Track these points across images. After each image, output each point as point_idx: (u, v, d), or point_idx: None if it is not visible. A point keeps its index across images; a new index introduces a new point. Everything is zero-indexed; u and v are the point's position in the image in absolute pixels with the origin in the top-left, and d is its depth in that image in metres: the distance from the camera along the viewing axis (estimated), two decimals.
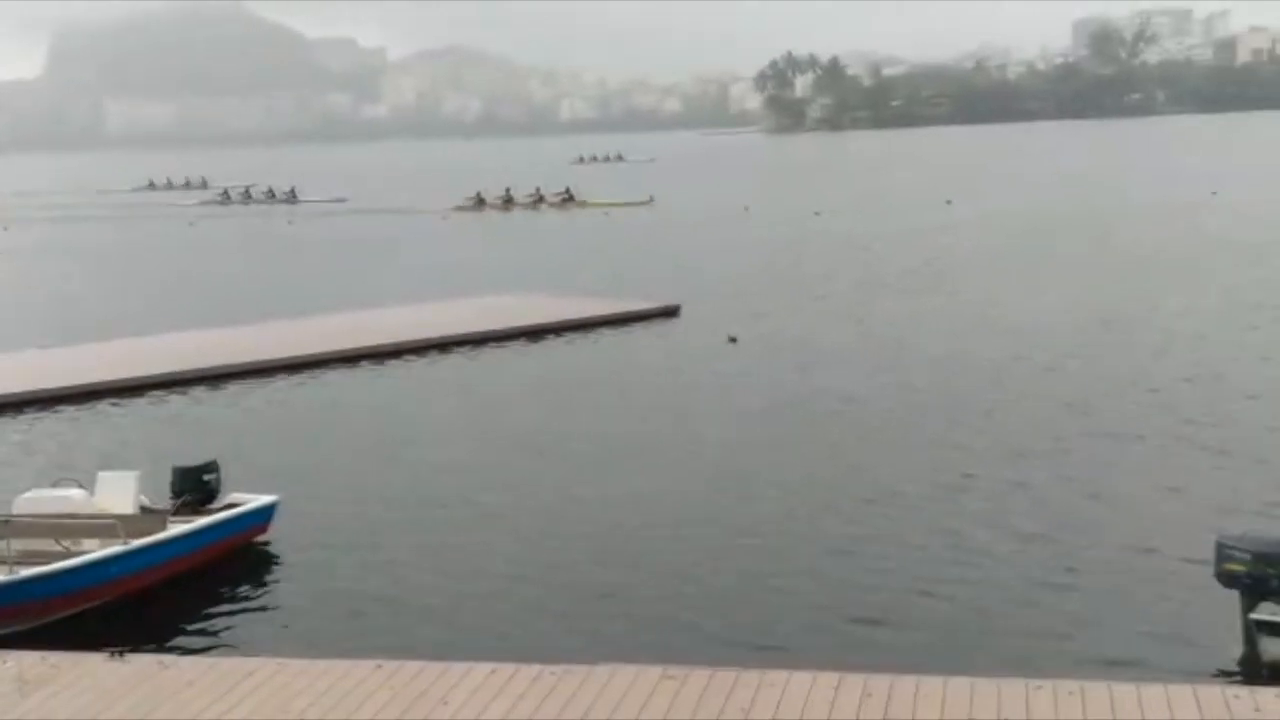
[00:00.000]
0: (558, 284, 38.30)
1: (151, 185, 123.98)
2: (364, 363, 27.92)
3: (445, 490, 18.35)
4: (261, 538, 15.88)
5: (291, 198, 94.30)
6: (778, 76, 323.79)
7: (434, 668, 11.13)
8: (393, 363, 28.06)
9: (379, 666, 11.19)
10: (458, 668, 11.11)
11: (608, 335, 30.97)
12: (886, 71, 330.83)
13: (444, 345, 29.47)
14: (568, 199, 78.28)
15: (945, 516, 16.15)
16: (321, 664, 11.37)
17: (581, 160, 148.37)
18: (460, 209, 77.92)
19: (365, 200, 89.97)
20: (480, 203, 79.09)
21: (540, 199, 78.83)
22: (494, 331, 30.56)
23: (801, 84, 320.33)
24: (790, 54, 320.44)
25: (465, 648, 12.28)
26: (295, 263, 53.53)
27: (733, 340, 29.02)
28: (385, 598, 14.15)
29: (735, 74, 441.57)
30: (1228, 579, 11.86)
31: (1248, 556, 11.72)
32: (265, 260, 55.35)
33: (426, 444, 21.12)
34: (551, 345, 30.01)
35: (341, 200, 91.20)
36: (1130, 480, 17.57)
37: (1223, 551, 11.86)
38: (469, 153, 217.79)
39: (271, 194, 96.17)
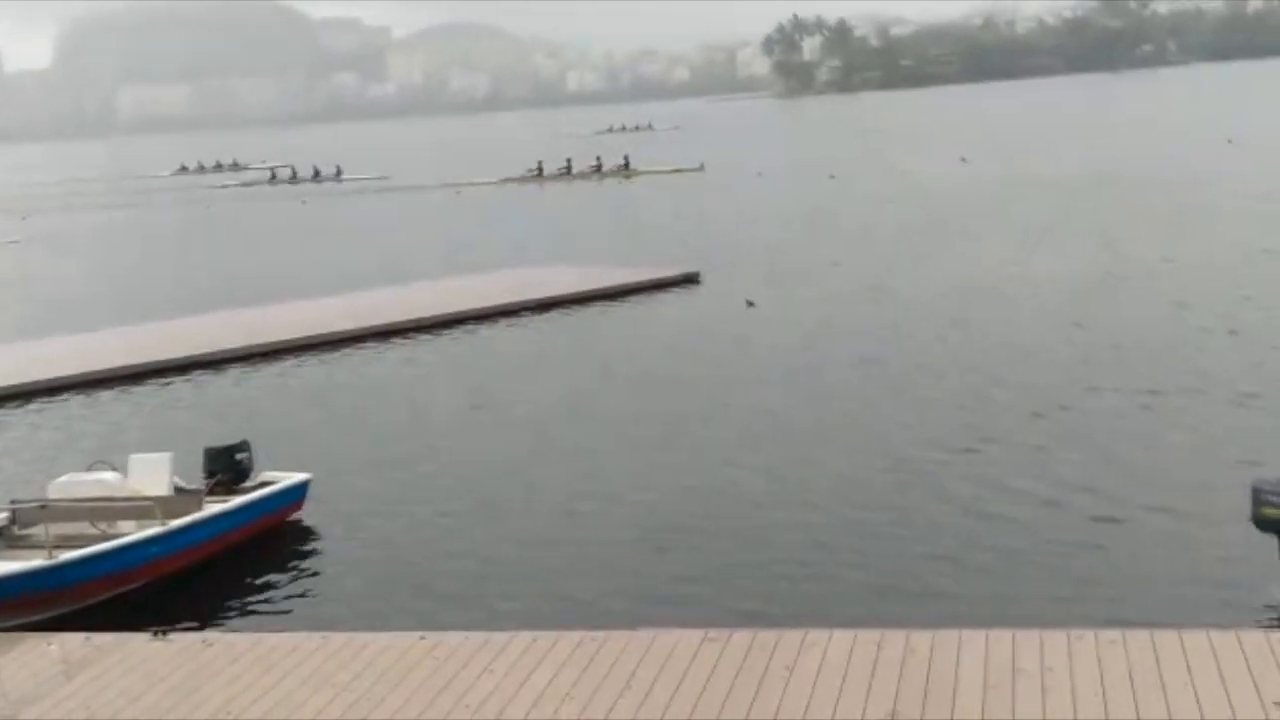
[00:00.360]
0: (602, 253, 38.50)
1: (184, 169, 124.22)
2: (392, 339, 27.95)
3: (474, 462, 18.41)
4: (296, 515, 15.95)
5: (336, 177, 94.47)
6: (785, 40, 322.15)
7: (476, 637, 11.18)
8: (418, 338, 28.10)
9: (422, 638, 11.25)
10: (499, 637, 11.16)
11: (629, 304, 30.99)
12: (894, 31, 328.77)
13: (466, 320, 29.49)
14: (626, 168, 78.62)
15: (975, 475, 16.12)
16: (364, 637, 11.44)
17: (610, 130, 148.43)
18: (522, 180, 78.24)
19: (407, 177, 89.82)
20: (540, 173, 79.39)
21: (599, 169, 79.22)
22: (516, 304, 30.60)
23: (809, 47, 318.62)
24: (796, 17, 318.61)
25: (507, 616, 12.34)
26: (325, 243, 53.33)
27: (751, 305, 29.06)
28: (424, 570, 14.21)
29: (742, 40, 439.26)
30: (1265, 523, 11.85)
31: None
32: (299, 242, 55.31)
33: (452, 418, 21.16)
34: (574, 316, 30.01)
35: (384, 178, 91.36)
36: (1158, 433, 17.50)
37: (1259, 496, 11.85)
38: (483, 128, 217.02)
39: (317, 174, 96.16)
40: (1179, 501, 14.56)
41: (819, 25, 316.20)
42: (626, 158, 79.95)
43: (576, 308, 30.61)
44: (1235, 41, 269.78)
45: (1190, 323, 24.39)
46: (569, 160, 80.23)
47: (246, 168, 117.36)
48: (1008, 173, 59.80)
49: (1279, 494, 11.74)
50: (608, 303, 31.04)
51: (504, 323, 29.31)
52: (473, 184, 77.62)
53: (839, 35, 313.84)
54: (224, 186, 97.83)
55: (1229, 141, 66.51)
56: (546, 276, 34.23)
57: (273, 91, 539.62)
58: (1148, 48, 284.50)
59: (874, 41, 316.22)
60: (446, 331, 28.61)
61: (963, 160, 68.63)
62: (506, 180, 78.36)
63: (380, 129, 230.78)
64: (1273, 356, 21.24)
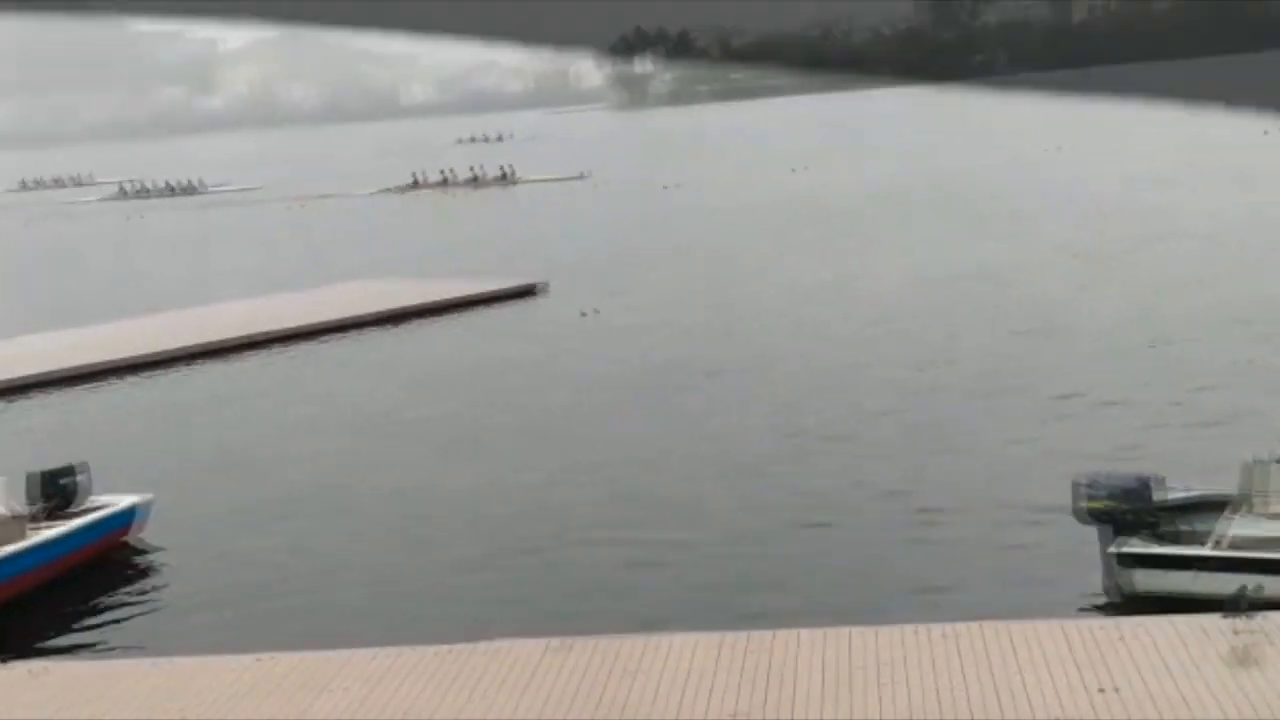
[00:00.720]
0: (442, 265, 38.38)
1: (24, 185, 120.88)
2: (228, 356, 27.54)
3: (307, 481, 18.19)
4: (131, 538, 15.54)
5: (196, 189, 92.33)
6: (624, 52, 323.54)
7: (314, 657, 11.03)
8: (256, 355, 27.66)
9: (258, 660, 11.05)
10: (338, 656, 11.02)
11: (467, 316, 30.89)
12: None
13: (305, 335, 29.10)
14: (505, 178, 78.20)
15: (807, 479, 16.40)
16: (197, 661, 11.20)
17: (461, 141, 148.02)
18: (398, 189, 77.08)
19: (279, 188, 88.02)
20: (416, 184, 78.55)
21: (477, 178, 78.72)
22: (351, 319, 30.28)
23: (648, 59, 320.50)
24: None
25: (345, 636, 12.15)
26: (173, 257, 51.90)
27: (584, 315, 29.36)
28: (259, 592, 13.96)
29: (580, 51, 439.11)
30: (1085, 516, 12.30)
31: (1103, 494, 12.19)
32: (149, 256, 53.87)
33: (286, 435, 20.92)
34: (410, 329, 29.83)
35: (253, 189, 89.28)
36: (980, 433, 17.92)
37: (1079, 491, 12.31)
38: (330, 139, 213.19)
39: (171, 188, 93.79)
40: (1003, 498, 14.99)
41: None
42: (502, 167, 79.53)
43: (414, 321, 30.43)
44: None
45: (1009, 326, 24.92)
46: (444, 170, 79.42)
47: (91, 183, 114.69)
48: (838, 183, 60.81)
49: (1096, 488, 12.21)
50: (446, 315, 30.90)
51: (340, 337, 29.04)
52: (350, 195, 76.46)
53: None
54: (80, 202, 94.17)
55: (1059, 149, 68.43)
56: (386, 289, 33.90)
57: (97, 106, 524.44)
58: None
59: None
60: (285, 346, 28.21)
61: (793, 171, 69.64)
62: (385, 190, 77.34)
63: (217, 142, 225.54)
64: (1083, 358, 21.79)
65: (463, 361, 26.18)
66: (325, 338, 29.01)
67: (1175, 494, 12.67)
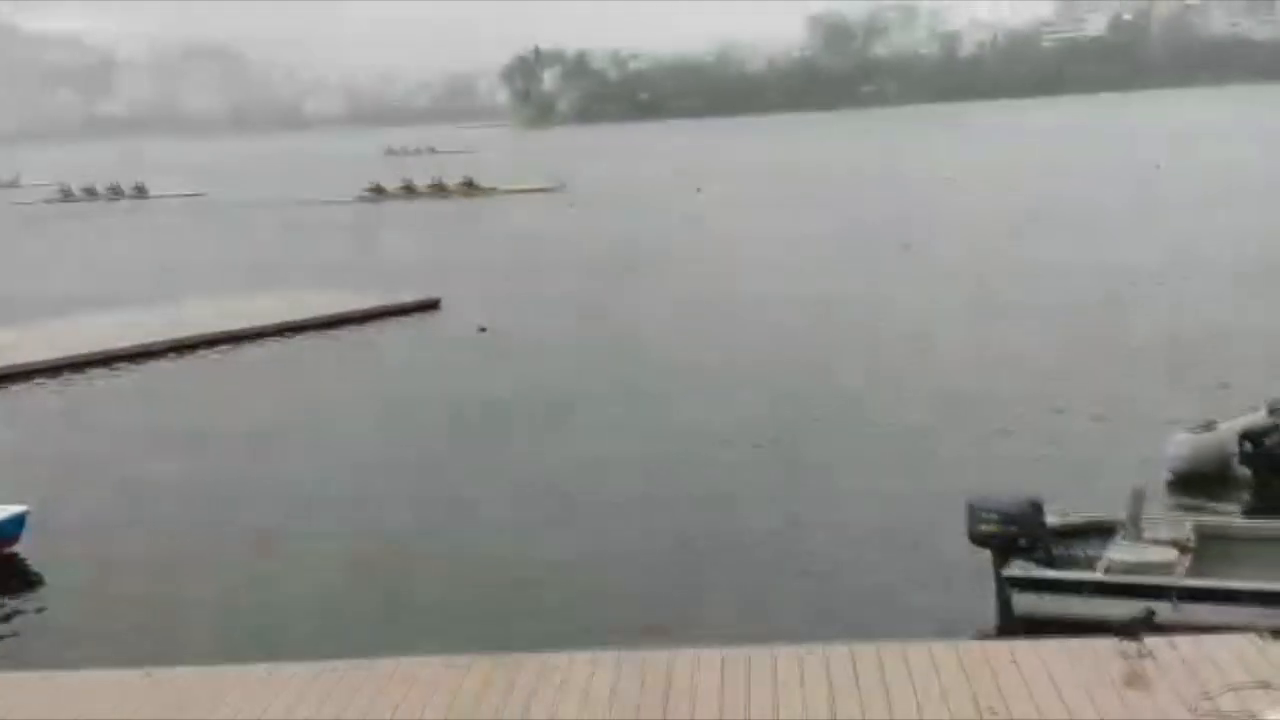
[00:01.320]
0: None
1: None
2: (116, 365, 27.24)
3: (196, 492, 17.99)
4: (12, 549, 15.17)
5: (140, 193, 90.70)
6: (526, 71, 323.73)
7: (206, 672, 10.86)
8: (139, 365, 27.25)
9: (148, 674, 10.85)
10: (231, 671, 10.86)
11: (364, 331, 30.73)
12: (632, 65, 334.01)
13: (197, 345, 28.81)
14: (470, 186, 77.84)
15: (704, 500, 16.47)
16: (87, 674, 10.97)
17: (391, 152, 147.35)
18: (359, 199, 76.13)
19: (222, 194, 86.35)
20: (380, 191, 77.72)
21: (442, 186, 78.14)
22: (247, 330, 29.94)
23: (550, 78, 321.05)
24: (538, 48, 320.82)
25: (237, 651, 11.98)
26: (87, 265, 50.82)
27: (482, 330, 29.37)
28: (147, 605, 13.74)
29: (482, 69, 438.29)
30: (980, 539, 12.52)
31: (996, 518, 12.43)
32: (63, 262, 52.62)
33: (172, 447, 20.61)
34: (305, 342, 29.58)
35: (199, 195, 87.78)
36: (877, 458, 18.09)
37: (974, 514, 12.53)
38: (234, 149, 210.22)
39: (117, 190, 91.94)
40: (900, 521, 15.20)
41: (559, 57, 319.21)
42: (467, 177, 78.97)
43: (312, 333, 30.20)
44: (950, 83, 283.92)
45: (901, 352, 25.28)
46: (405, 180, 78.82)
47: (18, 185, 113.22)
48: (743, 200, 61.45)
49: (990, 511, 12.44)
50: (345, 328, 30.73)
51: (236, 347, 28.77)
52: (333, 201, 75.35)
53: (578, 67, 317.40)
54: (18, 204, 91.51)
55: (949, 179, 69.74)
56: (291, 301, 33.55)
57: None
58: (870, 88, 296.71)
59: (612, 74, 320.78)
60: (173, 356, 27.95)
61: (698, 190, 70.28)
62: (359, 199, 76.39)
63: (117, 148, 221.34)
64: (967, 382, 22.17)
65: (349, 375, 25.99)
66: (219, 348, 28.85)
67: (1067, 518, 12.99)
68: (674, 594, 13.49)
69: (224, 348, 29.03)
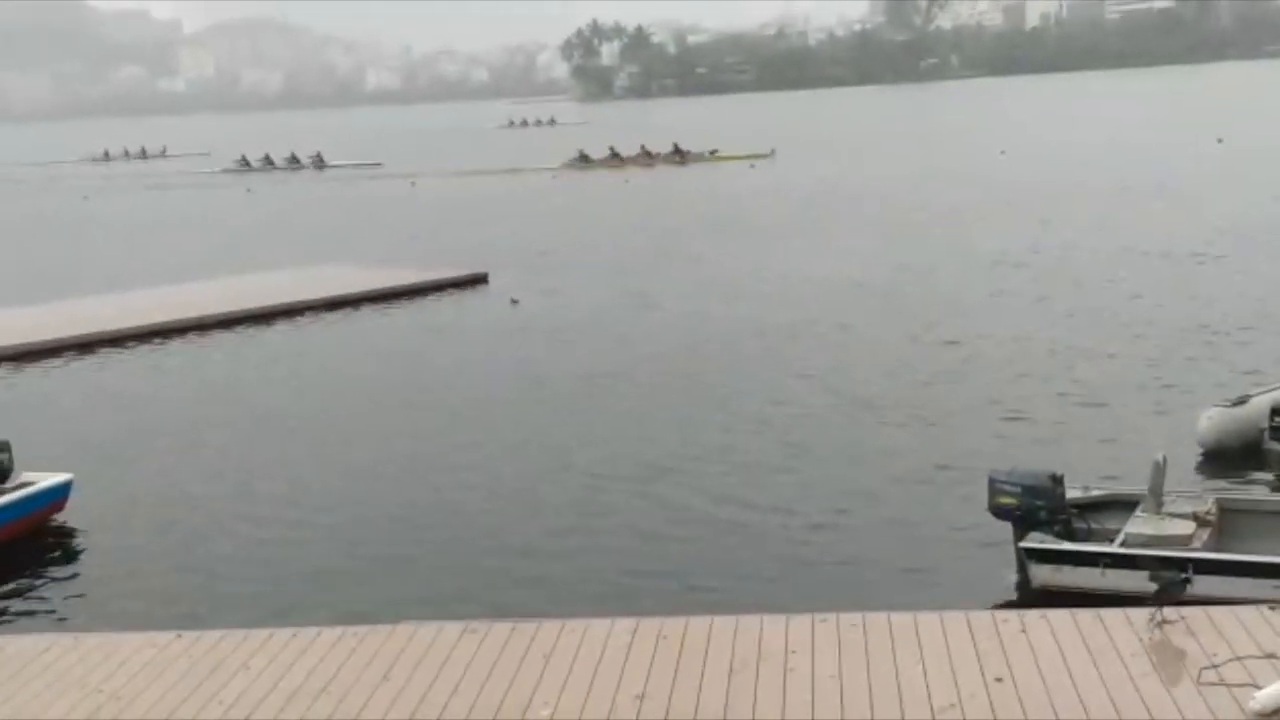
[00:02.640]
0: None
1: (107, 155, 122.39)
2: (170, 338, 27.65)
3: (238, 463, 18.28)
4: (57, 517, 15.58)
5: (319, 163, 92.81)
6: (584, 45, 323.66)
7: (233, 635, 11.13)
8: (191, 338, 27.73)
9: (178, 636, 11.14)
10: (258, 634, 11.13)
11: (413, 305, 31.02)
12: (691, 39, 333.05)
13: (243, 319, 29.26)
14: (677, 154, 77.91)
15: (724, 470, 16.58)
16: (119, 637, 11.28)
17: (512, 124, 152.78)
18: (566, 167, 76.79)
19: (397, 165, 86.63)
20: (586, 160, 78.23)
21: (649, 154, 78.43)
22: (298, 303, 30.43)
23: (608, 52, 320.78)
24: (596, 22, 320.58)
25: (266, 615, 12.33)
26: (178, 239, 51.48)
27: (515, 302, 29.75)
28: (183, 570, 14.09)
29: (541, 43, 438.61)
30: (1000, 512, 12.60)
31: (1017, 490, 12.50)
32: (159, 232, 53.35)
33: (217, 419, 20.93)
34: (351, 316, 29.94)
35: (377, 164, 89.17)
36: (899, 431, 18.16)
37: (995, 487, 12.60)
38: (292, 123, 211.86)
39: (295, 160, 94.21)
40: (923, 494, 15.29)
41: (617, 31, 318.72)
42: (676, 145, 78.86)
43: (353, 309, 30.56)
44: (1013, 57, 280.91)
45: (929, 326, 25.15)
46: (611, 148, 79.30)
47: (164, 156, 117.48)
48: (804, 179, 61.16)
49: (1012, 484, 12.51)
50: (390, 303, 31.03)
51: (280, 323, 29.15)
52: (541, 169, 75.41)
53: (637, 41, 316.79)
54: (199, 173, 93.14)
55: (1001, 153, 69.34)
56: (333, 275, 33.96)
57: (54, 84, 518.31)
58: (932, 61, 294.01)
59: (671, 48, 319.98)
60: (222, 331, 28.35)
61: (751, 167, 70.26)
62: (565, 167, 76.99)
63: (177, 124, 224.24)
64: (991, 361, 22.11)
65: (393, 351, 26.29)
66: (264, 323, 29.19)
67: (1088, 491, 13.04)
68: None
69: (301, 316, 29.63)
